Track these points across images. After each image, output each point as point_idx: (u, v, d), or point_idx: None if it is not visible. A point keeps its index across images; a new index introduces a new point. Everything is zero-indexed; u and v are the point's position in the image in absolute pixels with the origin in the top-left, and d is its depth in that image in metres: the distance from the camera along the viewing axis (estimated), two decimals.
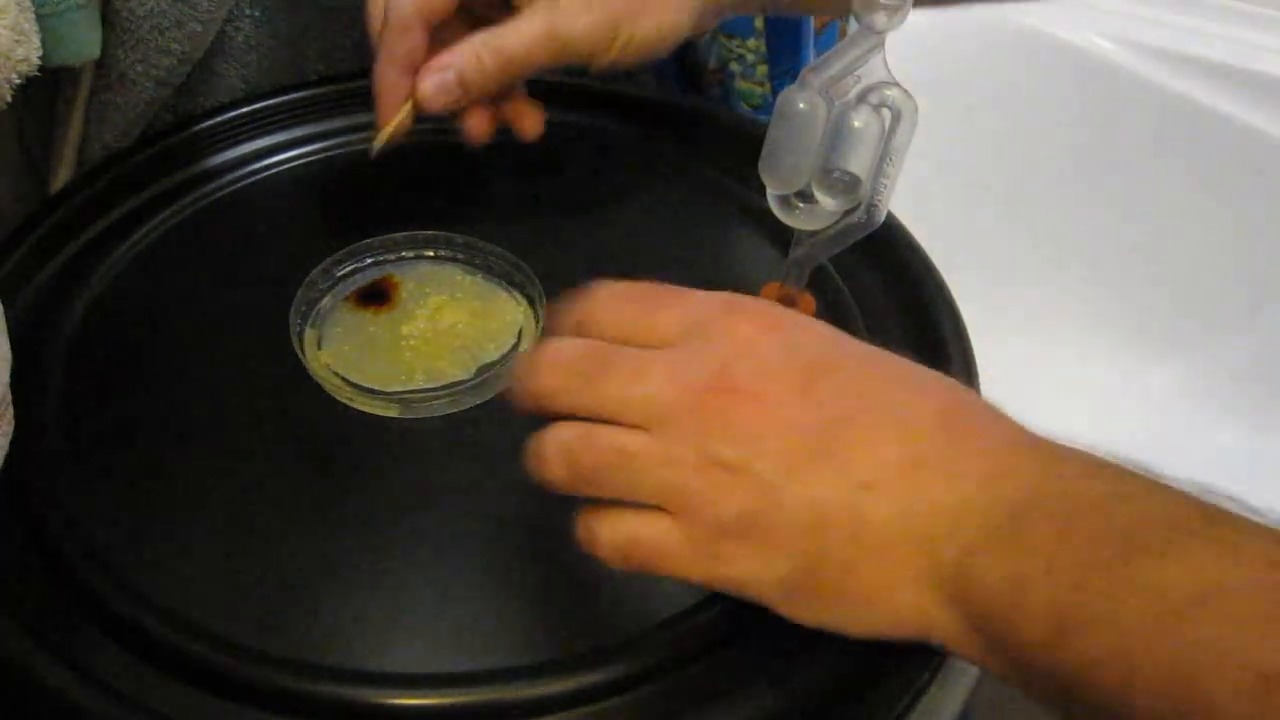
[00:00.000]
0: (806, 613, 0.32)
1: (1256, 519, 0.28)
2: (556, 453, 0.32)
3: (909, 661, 0.35)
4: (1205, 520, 0.27)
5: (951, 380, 0.34)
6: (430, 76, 0.45)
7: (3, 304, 0.36)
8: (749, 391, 0.31)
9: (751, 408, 0.31)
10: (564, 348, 0.33)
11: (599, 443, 0.31)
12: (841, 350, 0.34)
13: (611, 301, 0.33)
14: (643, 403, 0.31)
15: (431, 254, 0.47)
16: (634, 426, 0.31)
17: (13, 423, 0.36)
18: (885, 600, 0.31)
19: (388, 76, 0.45)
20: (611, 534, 0.32)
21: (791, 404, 0.31)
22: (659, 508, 0.31)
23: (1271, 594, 0.25)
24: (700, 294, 0.34)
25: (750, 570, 0.31)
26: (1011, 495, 0.29)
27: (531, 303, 0.46)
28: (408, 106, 0.46)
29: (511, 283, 0.46)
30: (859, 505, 0.30)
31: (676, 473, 0.31)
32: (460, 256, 0.47)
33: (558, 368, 0.32)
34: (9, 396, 0.36)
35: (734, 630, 0.34)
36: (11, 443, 0.36)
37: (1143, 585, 0.26)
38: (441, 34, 0.46)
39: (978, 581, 0.29)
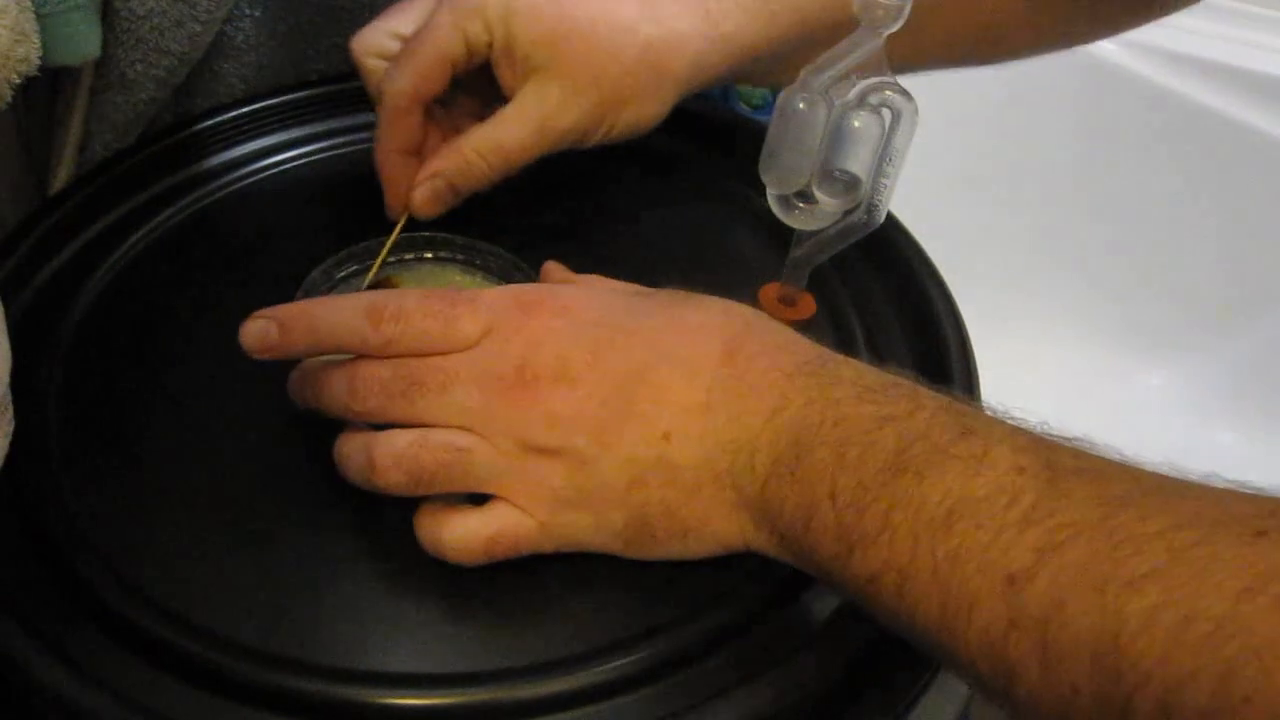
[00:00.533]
0: (646, 553, 0.35)
1: (1014, 421, 0.31)
2: (393, 461, 0.35)
3: (909, 661, 0.35)
4: (960, 434, 0.30)
5: (735, 307, 0.37)
6: (421, 187, 0.47)
7: (3, 304, 0.36)
8: (548, 378, 0.34)
9: (554, 393, 0.34)
10: (375, 371, 0.35)
11: (435, 443, 0.34)
12: (629, 313, 0.36)
13: (410, 318, 0.35)
14: (458, 409, 0.34)
15: (431, 254, 0.47)
16: (457, 429, 0.34)
17: (13, 423, 0.36)
18: (708, 530, 0.34)
19: (390, 161, 0.47)
20: (471, 540, 0.35)
21: (589, 379, 0.34)
22: (496, 497, 0.35)
23: (1008, 500, 0.28)
24: (491, 294, 0.36)
25: (590, 532, 0.35)
26: (792, 425, 0.33)
27: None
28: (401, 222, 0.47)
29: (511, 283, 0.46)
30: (666, 455, 0.34)
31: (506, 462, 0.34)
32: (460, 257, 0.47)
33: (374, 387, 0.35)
34: (9, 396, 0.36)
35: (734, 630, 0.35)
36: (11, 443, 0.36)
37: (905, 503, 0.29)
38: (438, 107, 0.48)
39: (776, 508, 0.33)
